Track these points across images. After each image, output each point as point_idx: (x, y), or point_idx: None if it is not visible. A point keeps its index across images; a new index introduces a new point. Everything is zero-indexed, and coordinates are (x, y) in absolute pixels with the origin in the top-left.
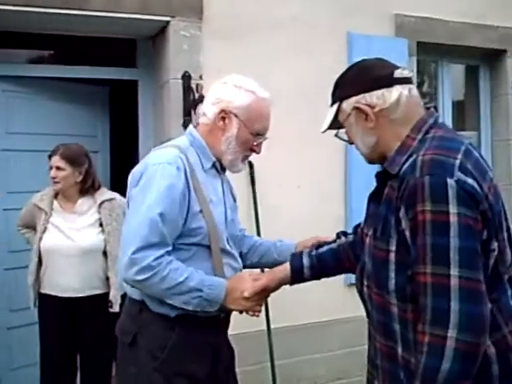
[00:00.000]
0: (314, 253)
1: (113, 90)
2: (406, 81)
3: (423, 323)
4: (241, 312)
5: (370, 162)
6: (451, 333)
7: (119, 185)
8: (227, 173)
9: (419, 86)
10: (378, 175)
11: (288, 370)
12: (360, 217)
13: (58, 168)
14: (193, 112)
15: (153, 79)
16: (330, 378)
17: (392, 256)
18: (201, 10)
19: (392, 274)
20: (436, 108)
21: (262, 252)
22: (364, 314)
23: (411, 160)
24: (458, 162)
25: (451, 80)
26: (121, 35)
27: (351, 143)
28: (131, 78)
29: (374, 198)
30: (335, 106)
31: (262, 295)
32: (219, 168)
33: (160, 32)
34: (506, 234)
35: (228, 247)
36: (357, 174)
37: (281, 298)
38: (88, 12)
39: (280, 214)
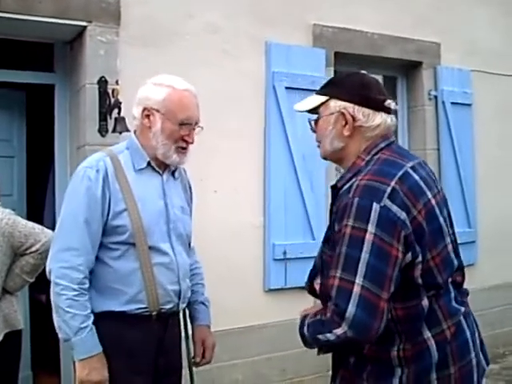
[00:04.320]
0: None
1: (29, 94)
2: (391, 112)
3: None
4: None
5: (324, 158)
6: (343, 327)
7: (35, 190)
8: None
9: None
10: (332, 188)
11: (207, 376)
12: (278, 223)
13: None
14: (108, 117)
15: (69, 84)
16: (249, 383)
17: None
18: (118, 16)
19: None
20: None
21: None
22: (282, 319)
23: (350, 183)
24: (389, 188)
25: None
26: (38, 39)
27: (314, 131)
28: (48, 83)
29: (331, 210)
30: (324, 98)
31: None
32: (157, 167)
33: (77, 36)
34: (448, 240)
35: (164, 246)
36: (275, 181)
37: None
38: (1, 14)
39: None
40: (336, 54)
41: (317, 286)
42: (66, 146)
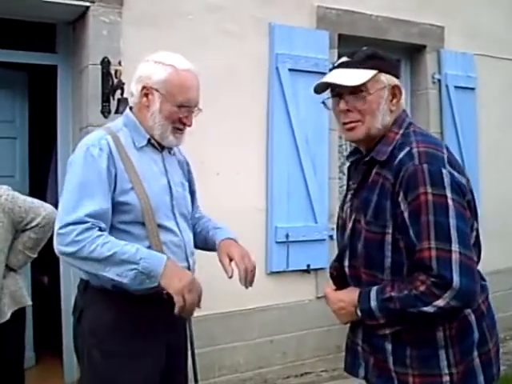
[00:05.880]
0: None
1: (31, 75)
2: None
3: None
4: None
5: (362, 138)
6: (445, 298)
7: (37, 171)
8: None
9: None
10: (364, 164)
11: (209, 359)
12: (281, 206)
13: None
14: (111, 98)
15: (72, 64)
16: (250, 366)
17: (388, 237)
18: None
19: (388, 254)
20: None
21: (201, 240)
22: (284, 302)
23: (405, 151)
24: (445, 156)
25: None
26: (40, 19)
27: (347, 111)
28: (50, 63)
29: (361, 185)
30: (372, 72)
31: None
32: (157, 145)
33: (80, 17)
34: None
35: (169, 224)
36: (278, 163)
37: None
38: None
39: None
40: (340, 36)
41: (347, 270)
42: (68, 127)
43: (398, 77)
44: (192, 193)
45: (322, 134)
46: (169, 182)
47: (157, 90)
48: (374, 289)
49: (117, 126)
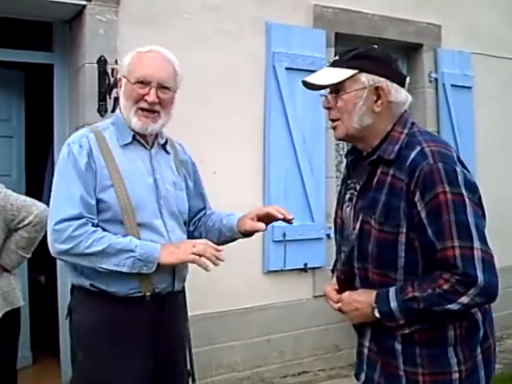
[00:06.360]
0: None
1: (28, 74)
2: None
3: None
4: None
5: (342, 138)
6: (470, 294)
7: (34, 170)
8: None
9: None
10: (369, 163)
11: (206, 358)
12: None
13: None
14: (108, 97)
15: (68, 63)
16: (247, 365)
17: (402, 237)
18: None
19: (402, 253)
20: None
21: (216, 233)
22: (282, 301)
23: (417, 151)
24: (455, 155)
25: None
26: (36, 18)
27: (328, 108)
28: (47, 62)
29: (366, 185)
30: (351, 72)
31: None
32: (144, 142)
33: (76, 16)
34: None
35: (155, 223)
36: (275, 162)
37: (198, 286)
38: None
39: None
40: (336, 34)
41: (357, 271)
42: (65, 126)
43: (389, 77)
44: (199, 194)
45: (319, 133)
46: (155, 181)
47: (124, 77)
48: (392, 290)
49: (104, 124)
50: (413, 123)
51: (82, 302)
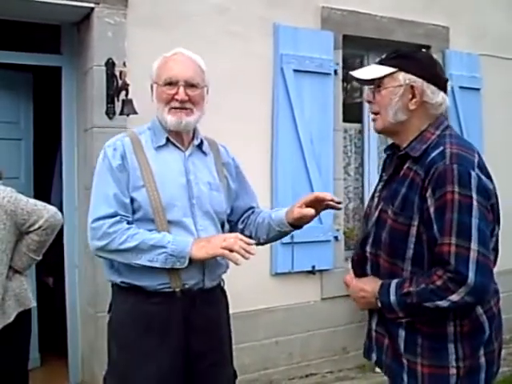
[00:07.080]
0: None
1: (36, 77)
2: (447, 93)
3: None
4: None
5: (380, 130)
6: (460, 293)
7: (42, 172)
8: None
9: (344, 79)
10: (398, 158)
11: None
12: (285, 206)
13: None
14: (116, 99)
15: (77, 66)
16: (255, 367)
17: (413, 230)
18: None
19: (411, 245)
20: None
21: (265, 229)
22: (289, 303)
23: (438, 151)
24: (476, 160)
25: None
26: (45, 20)
27: (369, 102)
28: (55, 65)
29: (392, 177)
30: (391, 69)
31: (230, 237)
32: (178, 144)
33: (85, 18)
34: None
35: (185, 220)
36: (282, 164)
37: None
38: None
39: None
40: (344, 36)
41: (369, 256)
42: (73, 129)
43: (425, 78)
44: (245, 193)
45: (327, 135)
46: (188, 181)
47: (155, 82)
48: (394, 283)
49: (141, 128)
50: (447, 126)
51: (116, 298)
